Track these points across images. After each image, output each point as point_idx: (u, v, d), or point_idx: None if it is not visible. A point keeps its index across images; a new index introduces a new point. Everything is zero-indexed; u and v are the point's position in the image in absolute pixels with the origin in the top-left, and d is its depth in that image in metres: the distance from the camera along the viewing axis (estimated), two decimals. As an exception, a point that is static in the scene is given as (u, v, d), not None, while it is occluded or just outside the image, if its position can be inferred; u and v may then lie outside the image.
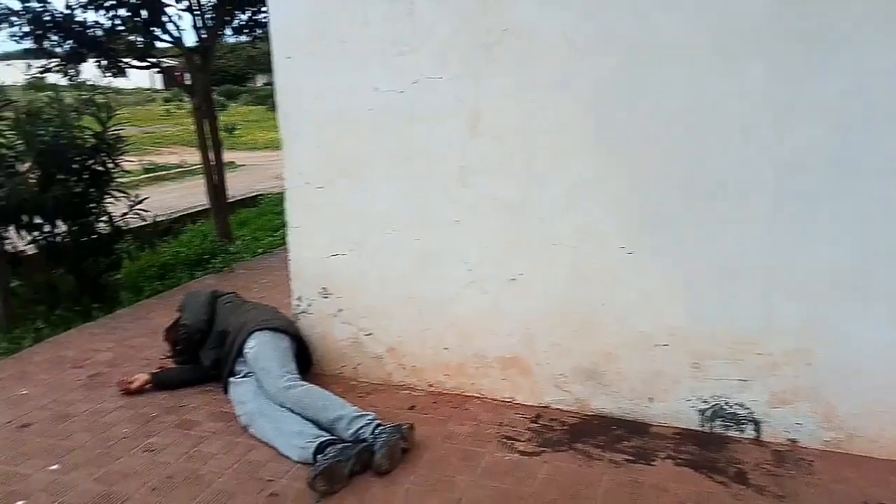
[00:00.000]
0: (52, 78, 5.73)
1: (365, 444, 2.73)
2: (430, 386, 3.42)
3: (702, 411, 2.95)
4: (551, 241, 3.08)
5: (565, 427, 3.05)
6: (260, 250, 6.33)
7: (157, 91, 35.66)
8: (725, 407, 2.91)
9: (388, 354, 3.46)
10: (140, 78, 35.70)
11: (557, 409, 3.20)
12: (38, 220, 4.56)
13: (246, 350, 3.22)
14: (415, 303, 3.35)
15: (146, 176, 12.80)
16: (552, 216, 3.05)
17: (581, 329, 3.10)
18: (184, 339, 3.43)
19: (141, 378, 3.38)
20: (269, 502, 2.50)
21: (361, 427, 2.82)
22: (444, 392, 3.39)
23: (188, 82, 6.57)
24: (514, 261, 3.15)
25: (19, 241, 4.71)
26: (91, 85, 4.76)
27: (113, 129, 4.84)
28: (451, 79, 3.07)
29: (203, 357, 3.44)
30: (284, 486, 2.60)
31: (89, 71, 6.04)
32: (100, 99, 4.75)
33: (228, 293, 3.66)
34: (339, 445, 2.69)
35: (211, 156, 6.51)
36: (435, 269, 3.28)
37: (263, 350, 3.16)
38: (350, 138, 3.30)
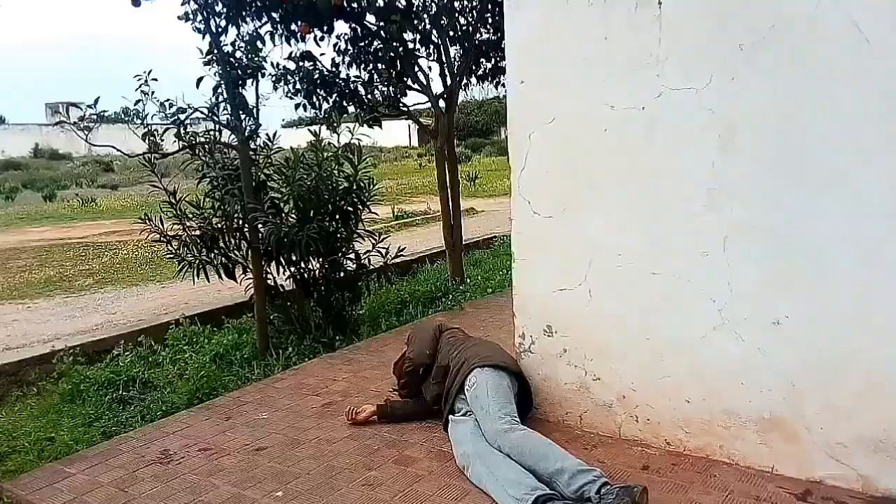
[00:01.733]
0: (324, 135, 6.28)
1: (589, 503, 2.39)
2: (668, 444, 2.96)
3: None
4: (827, 277, 2.52)
5: (845, 511, 2.43)
6: (490, 290, 6.28)
7: (412, 148, 38.82)
8: None
9: (618, 403, 3.08)
10: (399, 135, 39.32)
11: (833, 485, 2.58)
12: (294, 257, 4.96)
13: (466, 387, 3.07)
14: (652, 345, 2.95)
15: (396, 222, 13.73)
16: (827, 247, 2.50)
17: (867, 388, 2.48)
18: (408, 372, 3.40)
19: (368, 409, 3.39)
20: (480, 556, 2.27)
21: (586, 484, 2.49)
22: (685, 453, 2.91)
23: (431, 126, 6.86)
24: (778, 301, 2.63)
25: (278, 276, 5.15)
26: (356, 140, 5.12)
27: (364, 172, 5.14)
28: (701, 89, 2.70)
29: (425, 391, 3.37)
30: (498, 541, 2.35)
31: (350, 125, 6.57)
32: (354, 145, 5.09)
33: (454, 327, 3.57)
34: (559, 502, 2.38)
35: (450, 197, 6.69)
36: (677, 308, 2.86)
37: (483, 388, 2.99)
38: (582, 162, 3.05)
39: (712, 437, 2.85)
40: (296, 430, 3.38)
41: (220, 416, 3.62)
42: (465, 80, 7.02)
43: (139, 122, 4.42)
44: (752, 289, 2.68)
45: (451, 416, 3.12)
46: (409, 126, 37.70)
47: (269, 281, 5.12)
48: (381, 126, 6.82)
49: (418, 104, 7.71)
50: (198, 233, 4.81)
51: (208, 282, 4.91)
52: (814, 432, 2.61)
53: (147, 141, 4.47)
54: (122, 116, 4.51)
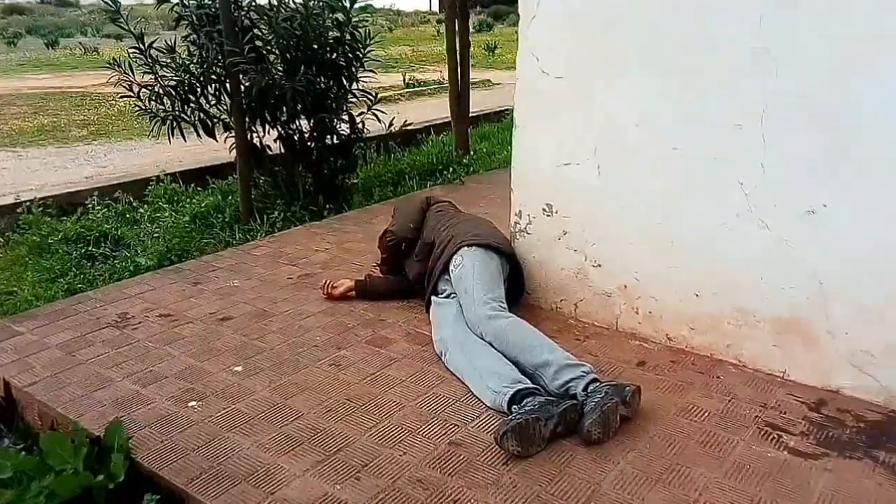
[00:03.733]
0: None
1: (573, 401, 2.13)
2: (669, 340, 2.68)
3: None
4: (876, 162, 2.11)
5: (861, 425, 2.17)
6: (495, 164, 5.86)
7: (432, 13, 36.84)
8: None
9: (618, 293, 2.77)
10: (421, 1, 37.17)
11: (852, 396, 2.31)
12: (280, 115, 4.54)
13: (451, 267, 2.75)
14: (664, 232, 2.59)
15: (407, 90, 13.06)
16: (880, 125, 2.07)
17: (909, 292, 2.13)
18: (389, 247, 3.08)
19: (345, 284, 3.11)
20: (448, 451, 2.04)
21: (573, 380, 2.22)
22: (688, 350, 2.63)
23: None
24: (817, 186, 2.24)
25: (265, 137, 4.75)
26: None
27: (359, 21, 4.59)
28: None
29: (408, 269, 3.07)
30: (468, 435, 2.11)
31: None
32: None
33: (443, 201, 3.21)
34: (541, 398, 2.12)
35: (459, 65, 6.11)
36: (697, 190, 2.48)
37: (469, 269, 2.67)
38: (603, 13, 2.56)
39: (720, 336, 2.56)
40: (267, 300, 3.11)
41: (188, 280, 3.35)
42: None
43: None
44: (789, 171, 2.28)
45: (433, 298, 2.83)
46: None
47: (255, 142, 4.73)
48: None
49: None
50: (172, 83, 4.35)
51: (184, 140, 4.52)
52: (837, 337, 2.30)
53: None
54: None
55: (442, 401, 2.31)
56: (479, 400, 2.29)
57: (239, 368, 2.52)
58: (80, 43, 22.29)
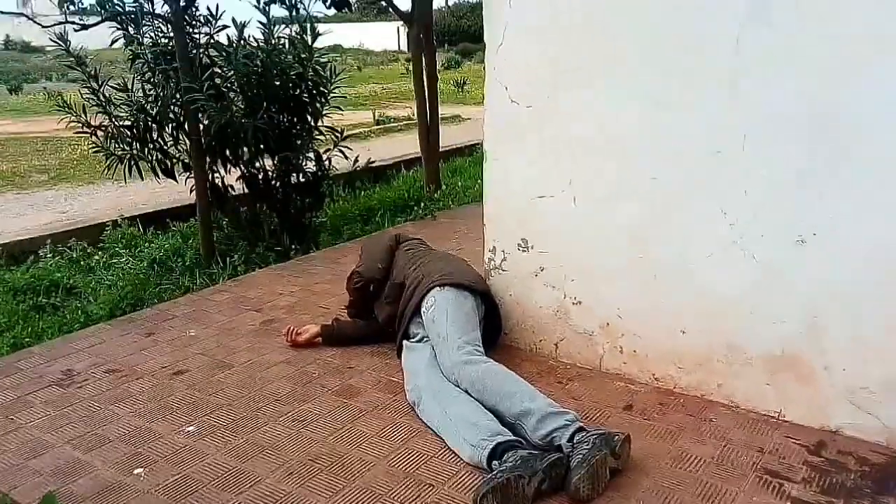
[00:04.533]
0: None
1: (558, 454, 1.95)
2: (656, 380, 2.52)
3: None
4: (868, 179, 2.00)
5: (865, 468, 2.03)
6: (467, 199, 5.73)
7: (400, 52, 37.16)
8: None
9: (600, 331, 2.61)
10: (387, 39, 37.55)
11: (853, 437, 2.16)
12: (242, 154, 4.37)
13: (423, 309, 2.58)
14: (645, 265, 2.45)
15: (377, 127, 12.97)
16: (871, 139, 1.97)
17: (909, 324, 2.00)
18: (357, 289, 2.89)
19: (311, 330, 2.91)
20: (422, 517, 1.84)
21: (556, 429, 2.04)
22: (676, 391, 2.47)
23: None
24: (806, 212, 2.12)
25: (227, 177, 4.57)
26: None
27: (322, 56, 4.46)
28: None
29: (377, 312, 2.88)
30: (445, 496, 1.92)
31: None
32: (308, 23, 4.38)
33: (413, 238, 3.04)
34: (524, 452, 1.93)
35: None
36: (680, 222, 2.35)
37: (442, 311, 2.49)
38: (574, 38, 2.45)
39: (709, 375, 2.41)
40: (225, 350, 2.90)
41: (141, 331, 3.12)
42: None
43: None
44: (775, 197, 2.17)
45: (405, 342, 2.65)
46: (398, 29, 35.96)
47: (217, 182, 4.55)
48: (350, 9, 6.06)
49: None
50: (128, 123, 4.17)
51: (142, 180, 4.31)
52: (834, 373, 2.17)
53: (61, 8, 3.76)
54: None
55: (415, 457, 2.11)
56: (457, 455, 2.10)
57: (191, 428, 2.29)
58: (44, 88, 21.95)
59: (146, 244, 4.67)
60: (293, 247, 4.49)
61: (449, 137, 9.10)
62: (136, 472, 2.06)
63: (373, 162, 4.84)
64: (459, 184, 6.40)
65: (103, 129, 4.16)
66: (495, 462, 1.94)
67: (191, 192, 4.42)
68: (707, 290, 2.35)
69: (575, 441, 1.99)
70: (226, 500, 1.92)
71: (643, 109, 2.35)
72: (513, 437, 2.03)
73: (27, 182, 8.96)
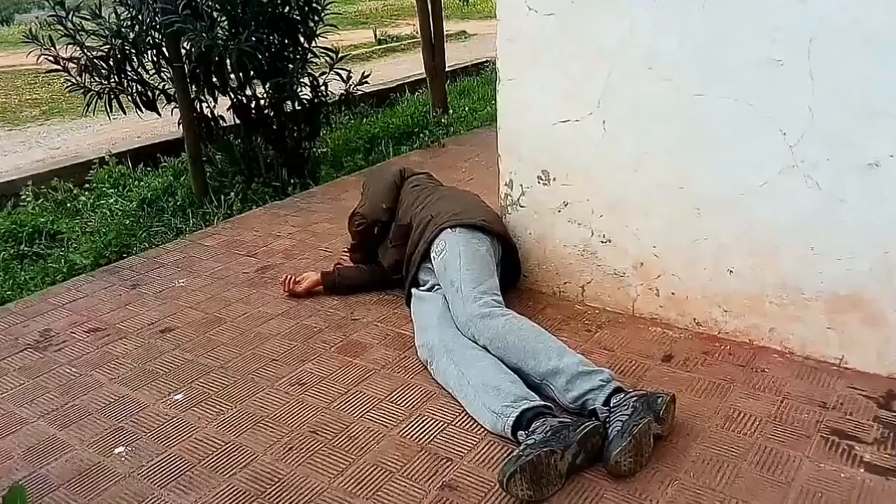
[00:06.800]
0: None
1: (594, 421, 1.70)
2: (698, 325, 2.24)
3: None
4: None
5: (948, 425, 1.76)
6: (477, 123, 5.34)
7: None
8: None
9: (634, 272, 2.32)
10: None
11: (930, 388, 1.89)
12: (229, 80, 3.99)
13: (433, 254, 2.29)
14: (686, 197, 2.13)
15: (379, 47, 12.34)
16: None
17: None
18: (359, 232, 2.60)
19: (310, 278, 2.64)
20: (439, 499, 1.60)
21: (589, 391, 1.79)
22: (721, 338, 2.20)
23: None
24: (880, 132, 1.77)
25: (217, 107, 4.21)
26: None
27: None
28: None
29: (382, 256, 2.60)
30: (465, 473, 1.68)
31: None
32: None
33: (419, 173, 2.72)
34: (553, 421, 1.68)
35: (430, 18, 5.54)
36: (729, 146, 2.01)
37: (454, 256, 2.20)
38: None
39: (760, 318, 2.12)
40: (218, 303, 2.64)
41: (126, 282, 2.87)
42: None
43: None
44: (844, 115, 1.82)
45: (413, 290, 2.37)
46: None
47: (205, 113, 4.19)
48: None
49: None
50: (101, 54, 3.79)
51: (124, 114, 3.98)
52: (908, 316, 1.88)
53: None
54: None
55: (430, 426, 1.87)
56: (477, 420, 1.85)
57: (179, 397, 2.06)
58: (36, 17, 21.24)
59: (135, 183, 4.36)
60: (291, 181, 4.18)
61: (455, 56, 8.58)
62: (116, 451, 1.83)
63: (368, 75, 4.42)
64: (467, 106, 5.98)
65: (75, 61, 3.78)
66: (521, 432, 1.69)
67: (178, 124, 4.08)
68: (760, 224, 2.03)
69: (612, 405, 1.73)
70: (217, 484, 1.69)
71: (686, 12, 1.97)
72: (540, 402, 1.77)
73: (18, 117, 8.61)
